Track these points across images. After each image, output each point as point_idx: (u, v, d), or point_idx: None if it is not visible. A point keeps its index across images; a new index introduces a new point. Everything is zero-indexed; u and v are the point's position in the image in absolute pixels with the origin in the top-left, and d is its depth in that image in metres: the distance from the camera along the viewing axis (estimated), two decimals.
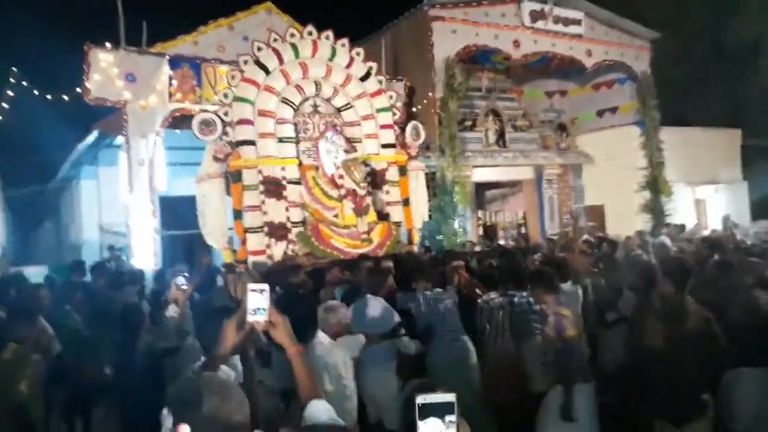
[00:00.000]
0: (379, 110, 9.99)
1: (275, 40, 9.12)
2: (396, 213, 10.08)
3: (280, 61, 9.11)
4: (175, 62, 10.12)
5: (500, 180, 15.63)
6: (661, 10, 19.59)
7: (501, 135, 14.83)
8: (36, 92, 9.29)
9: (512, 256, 7.41)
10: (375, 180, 9.90)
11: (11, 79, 9.08)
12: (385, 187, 10.08)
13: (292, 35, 9.33)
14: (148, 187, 10.05)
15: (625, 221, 14.91)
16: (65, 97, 9.34)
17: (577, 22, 14.54)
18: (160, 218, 10.90)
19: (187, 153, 11.60)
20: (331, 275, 6.60)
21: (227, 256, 8.81)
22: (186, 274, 4.65)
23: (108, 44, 9.58)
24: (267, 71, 8.99)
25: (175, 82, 10.07)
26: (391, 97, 10.17)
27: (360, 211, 9.03)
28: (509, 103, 15.74)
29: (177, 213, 12.38)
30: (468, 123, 14.33)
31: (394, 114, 10.19)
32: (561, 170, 16.08)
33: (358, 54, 9.80)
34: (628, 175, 15.41)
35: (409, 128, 10.46)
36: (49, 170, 16.05)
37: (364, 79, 9.85)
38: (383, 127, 10.03)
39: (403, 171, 10.30)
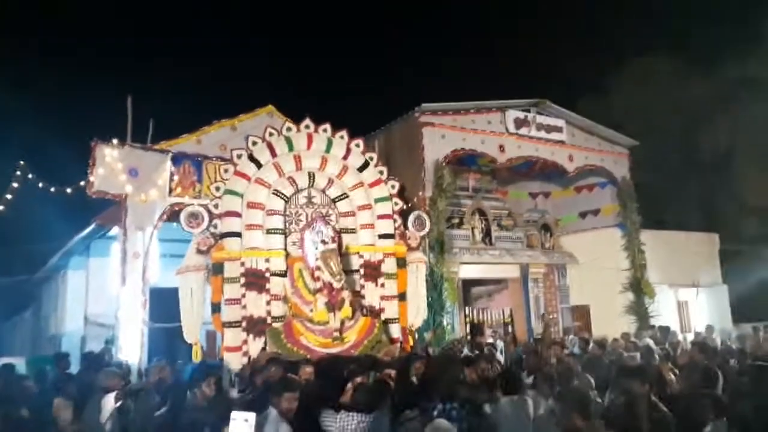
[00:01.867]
0: (377, 200, 9.90)
1: (271, 134, 9.35)
2: (391, 308, 9.65)
3: (273, 154, 9.28)
4: (177, 159, 10.53)
5: (487, 277, 15.88)
6: (640, 119, 20.82)
7: (487, 233, 15.26)
8: (40, 185, 9.53)
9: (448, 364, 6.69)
10: (369, 272, 9.59)
11: (17, 172, 9.34)
12: (381, 280, 9.69)
13: (289, 129, 9.58)
14: (141, 279, 10.12)
15: (610, 322, 15.09)
16: (68, 190, 9.58)
17: (559, 129, 15.37)
18: (149, 310, 10.89)
19: (179, 245, 11.83)
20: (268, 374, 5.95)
21: (195, 352, 8.69)
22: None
23: (114, 140, 9.98)
24: (259, 165, 9.18)
25: (176, 178, 10.43)
26: (393, 186, 10.09)
27: (333, 306, 8.44)
28: (495, 203, 16.30)
29: (165, 305, 12.38)
30: (455, 221, 14.77)
31: (396, 204, 10.10)
32: (546, 269, 16.42)
33: (357, 145, 9.88)
34: (612, 276, 15.73)
35: (411, 218, 10.27)
36: (39, 260, 16.06)
37: (362, 169, 9.84)
38: (381, 217, 9.89)
39: (401, 263, 9.95)
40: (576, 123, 15.88)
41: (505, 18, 33.36)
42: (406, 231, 10.13)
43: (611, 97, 22.85)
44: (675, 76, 22.70)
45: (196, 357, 8.54)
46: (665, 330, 13.50)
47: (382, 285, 9.67)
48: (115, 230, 11.44)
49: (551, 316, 16.12)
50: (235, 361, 8.26)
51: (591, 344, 9.94)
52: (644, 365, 6.21)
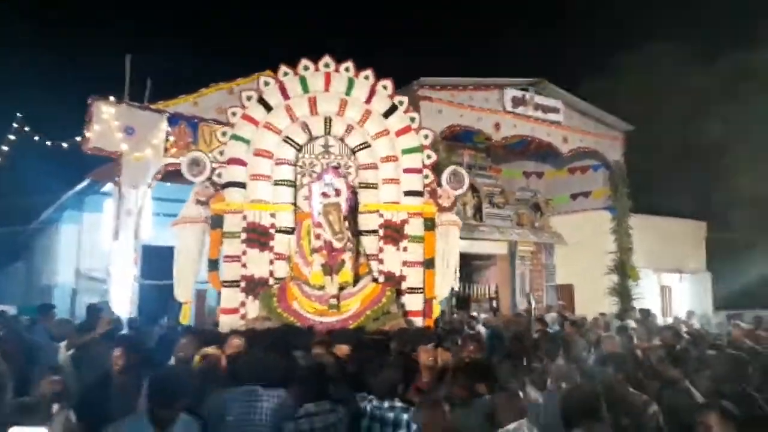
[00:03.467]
0: (405, 151, 8.31)
1: (285, 73, 8.12)
2: (414, 276, 8.13)
3: (285, 96, 8.08)
4: (173, 119, 10.65)
5: (475, 252, 16.13)
6: (636, 104, 20.88)
7: (478, 209, 15.46)
8: (36, 138, 9.64)
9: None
10: (390, 234, 8.19)
11: (14, 124, 9.43)
12: (403, 243, 8.18)
13: (306, 68, 8.17)
14: (133, 236, 10.30)
15: (594, 302, 15.41)
16: (64, 145, 9.69)
17: (556, 110, 15.46)
18: (140, 267, 11.11)
19: (172, 204, 12.02)
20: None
21: (184, 312, 7.90)
22: None
23: (111, 98, 10.05)
24: (269, 108, 8.05)
25: (171, 138, 10.54)
26: (425, 136, 8.45)
27: (330, 269, 7.29)
28: (487, 180, 16.48)
29: (157, 263, 12.60)
30: None
31: (429, 157, 8.44)
32: (534, 248, 16.69)
33: (384, 87, 8.34)
34: (598, 258, 16.00)
35: (447, 173, 8.43)
36: (33, 212, 16.21)
37: (388, 115, 8.33)
38: (408, 171, 8.31)
39: (429, 225, 8.33)
40: (573, 105, 15.97)
41: None
42: (438, 189, 8.45)
43: (612, 80, 22.87)
44: (678, 64, 22.71)
45: (185, 318, 7.84)
46: (646, 312, 13.79)
47: (405, 249, 8.19)
48: (108, 186, 11.59)
49: (536, 294, 16.43)
50: (230, 325, 7.34)
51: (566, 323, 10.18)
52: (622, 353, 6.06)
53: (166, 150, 10.51)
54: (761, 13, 20.81)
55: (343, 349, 5.40)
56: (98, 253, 12.28)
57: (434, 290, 8.26)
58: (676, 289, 17.85)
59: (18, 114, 9.65)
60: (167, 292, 13.68)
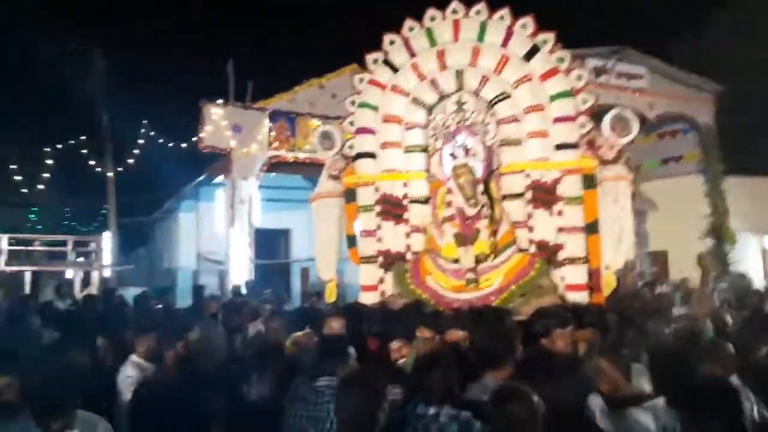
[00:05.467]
0: (554, 97, 6.92)
1: (411, 29, 7.27)
2: (573, 244, 6.76)
3: (411, 54, 7.27)
4: (274, 116, 11.93)
5: None
6: (726, 63, 20.07)
7: None
8: (160, 141, 11.11)
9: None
10: (539, 197, 6.90)
11: (143, 130, 10.93)
12: (557, 207, 6.85)
13: (432, 19, 7.27)
14: (247, 222, 11.63)
15: (689, 268, 15.25)
16: (183, 145, 11.10)
17: (640, 77, 15.34)
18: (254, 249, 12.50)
19: (277, 191, 13.56)
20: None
21: (330, 291, 7.40)
22: None
23: (219, 101, 11.38)
24: (395, 69, 7.31)
25: (273, 133, 11.78)
26: (578, 77, 6.99)
27: (464, 239, 6.44)
28: None
29: (266, 245, 14.01)
30: None
31: (584, 102, 6.98)
32: None
33: (523, 26, 7.02)
34: (692, 223, 15.81)
35: (609, 118, 6.92)
36: (156, 204, 18.16)
37: (529, 57, 7.04)
38: (559, 120, 6.92)
39: (589, 183, 6.90)
40: (659, 69, 15.74)
41: None
42: (599, 138, 6.95)
43: (700, 40, 21.98)
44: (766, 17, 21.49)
45: (331, 296, 7.35)
46: (741, 276, 13.65)
47: (559, 213, 6.85)
48: (220, 178, 13.03)
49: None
50: (370, 302, 6.79)
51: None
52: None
53: (269, 144, 11.75)
54: None
55: (456, 335, 4.41)
56: (214, 238, 13.80)
57: (603, 259, 6.75)
58: None
59: (144, 121, 11.12)
60: (275, 271, 15.20)
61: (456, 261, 6.39)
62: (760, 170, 17.83)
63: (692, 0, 22.90)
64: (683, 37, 22.31)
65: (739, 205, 16.00)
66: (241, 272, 11.49)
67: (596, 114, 6.97)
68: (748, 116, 20.19)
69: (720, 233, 15.81)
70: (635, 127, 6.84)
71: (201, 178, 13.61)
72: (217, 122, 11.32)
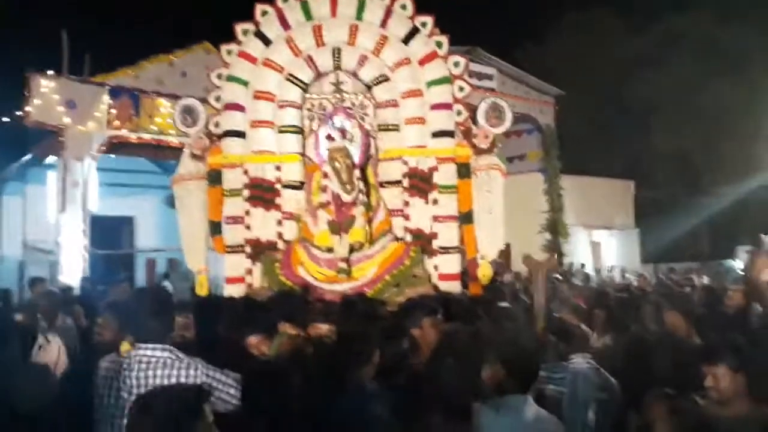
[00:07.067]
0: (431, 83, 6.81)
1: (285, 0, 6.83)
2: (447, 233, 6.74)
3: (285, 26, 6.80)
4: (115, 92, 10.88)
5: None
6: (569, 68, 21.89)
7: None
8: None
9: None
10: (416, 184, 6.79)
11: None
12: (432, 195, 6.79)
13: None
14: (81, 207, 10.59)
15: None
16: (3, 119, 9.85)
17: (490, 77, 16.13)
18: (90, 237, 11.43)
19: (117, 174, 12.53)
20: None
21: (200, 284, 6.75)
22: None
23: (50, 72, 10.22)
24: (267, 42, 6.83)
25: (114, 111, 10.78)
26: (456, 64, 6.84)
27: (338, 227, 6.14)
28: None
29: (105, 233, 12.89)
30: None
31: (461, 90, 6.86)
32: None
33: (403, 7, 6.81)
34: (533, 218, 16.98)
35: (484, 107, 6.87)
36: None
37: (408, 40, 6.83)
38: (436, 107, 6.80)
39: (464, 172, 6.90)
40: (506, 71, 16.67)
41: None
42: (474, 127, 6.99)
43: (546, 47, 23.79)
44: (610, 32, 23.79)
45: (201, 289, 6.70)
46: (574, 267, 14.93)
47: (435, 201, 6.80)
48: (51, 159, 11.77)
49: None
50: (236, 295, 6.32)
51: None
52: None
53: (108, 122, 10.76)
54: None
55: (320, 329, 4.14)
56: (44, 226, 12.46)
57: (478, 249, 6.74)
58: (605, 245, 19.12)
59: None
60: (115, 262, 14.05)
61: (330, 250, 6.15)
62: (591, 170, 19.64)
63: (537, 9, 24.64)
64: (528, 44, 23.99)
65: (572, 202, 17.46)
66: (73, 263, 10.45)
67: (467, 104, 7.04)
68: (583, 120, 22.17)
69: (555, 228, 17.13)
70: (509, 117, 6.89)
71: (27, 157, 12.16)
72: (47, 95, 10.16)
